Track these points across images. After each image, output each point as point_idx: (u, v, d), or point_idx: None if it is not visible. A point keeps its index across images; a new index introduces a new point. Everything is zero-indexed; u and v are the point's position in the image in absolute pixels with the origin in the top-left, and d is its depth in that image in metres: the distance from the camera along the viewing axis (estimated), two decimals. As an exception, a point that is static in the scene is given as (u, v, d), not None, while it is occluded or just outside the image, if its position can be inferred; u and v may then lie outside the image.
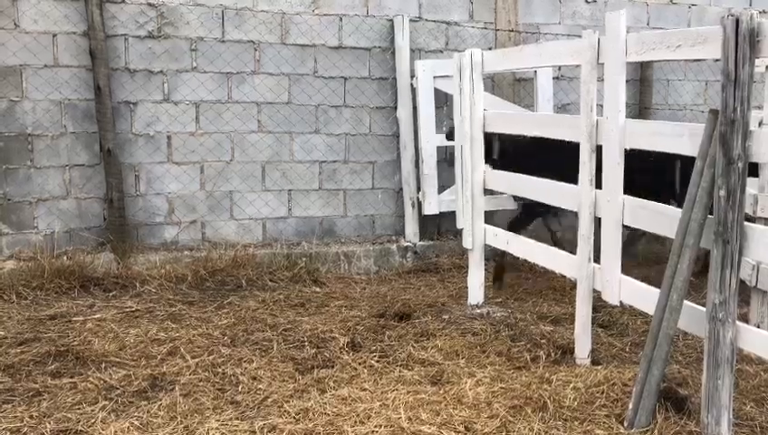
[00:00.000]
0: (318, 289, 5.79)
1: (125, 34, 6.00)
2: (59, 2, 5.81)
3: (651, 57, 3.58)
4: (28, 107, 5.83)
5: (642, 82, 7.57)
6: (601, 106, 3.84)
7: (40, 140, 5.88)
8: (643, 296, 3.66)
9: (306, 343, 4.45)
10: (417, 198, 6.76)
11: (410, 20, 6.72)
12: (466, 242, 5.31)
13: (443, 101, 6.69)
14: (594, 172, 3.95)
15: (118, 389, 3.74)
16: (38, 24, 5.77)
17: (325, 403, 3.55)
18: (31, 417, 3.41)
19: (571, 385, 3.66)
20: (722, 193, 2.98)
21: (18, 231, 5.90)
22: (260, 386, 3.79)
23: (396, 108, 6.79)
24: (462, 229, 5.35)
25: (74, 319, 4.94)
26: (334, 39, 6.61)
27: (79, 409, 3.52)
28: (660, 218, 3.51)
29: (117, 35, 5.97)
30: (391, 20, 6.71)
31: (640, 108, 7.56)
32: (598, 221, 3.98)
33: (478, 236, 5.21)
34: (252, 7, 6.33)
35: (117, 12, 5.95)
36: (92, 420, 3.39)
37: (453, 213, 5.78)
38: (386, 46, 6.76)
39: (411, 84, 6.68)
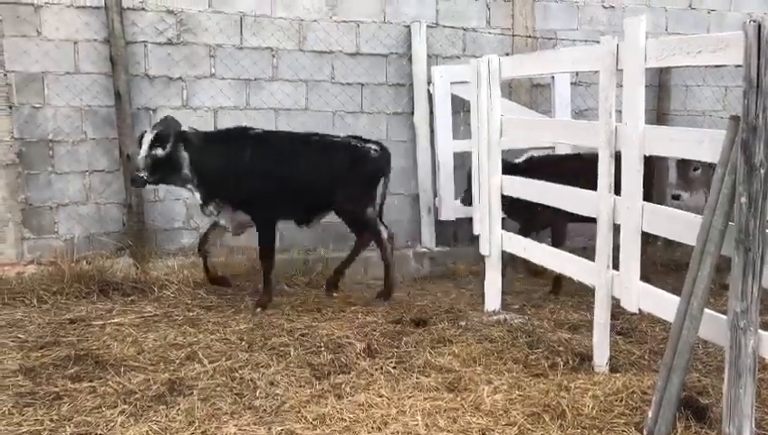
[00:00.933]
0: (335, 294, 5.79)
1: (145, 41, 6.06)
2: (80, 9, 5.88)
3: (671, 63, 3.57)
4: (49, 113, 5.91)
5: (660, 87, 7.52)
6: (620, 112, 3.82)
7: (61, 145, 5.96)
8: (662, 304, 3.63)
9: (323, 349, 4.46)
10: (434, 204, 6.75)
11: (427, 26, 6.73)
12: (483, 248, 5.30)
13: (460, 107, 6.69)
14: (613, 179, 3.92)
15: (137, 393, 3.76)
16: (60, 31, 5.84)
17: (342, 409, 3.55)
18: (51, 420, 3.45)
19: (590, 393, 3.63)
20: (743, 200, 2.95)
21: (39, 236, 5.97)
22: (277, 391, 3.80)
23: (412, 114, 6.79)
24: (479, 235, 5.34)
25: (94, 323, 4.98)
26: (351, 45, 6.64)
27: (98, 413, 3.54)
28: (680, 225, 3.48)
29: (137, 42, 6.03)
30: (408, 26, 6.73)
31: (658, 114, 7.51)
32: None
33: (495, 242, 5.20)
34: (270, 14, 6.37)
35: (137, 19, 6.01)
36: (112, 424, 3.42)
37: (469, 219, 5.78)
38: (403, 52, 6.77)
39: (428, 90, 6.69)
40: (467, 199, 5.76)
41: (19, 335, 4.70)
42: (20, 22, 5.73)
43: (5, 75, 5.74)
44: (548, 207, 4.72)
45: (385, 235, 5.60)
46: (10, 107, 5.78)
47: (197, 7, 6.16)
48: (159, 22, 6.08)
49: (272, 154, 5.36)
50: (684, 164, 5.58)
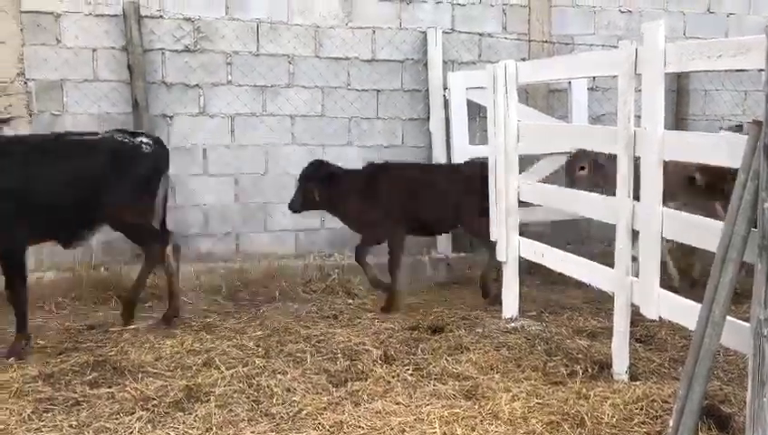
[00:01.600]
0: (350, 301, 5.79)
1: (162, 49, 6.11)
2: (99, 18, 5.94)
3: (691, 68, 3.53)
4: (68, 121, 5.97)
5: (678, 91, 7.47)
6: (638, 117, 3.79)
7: (79, 152, 6.00)
8: (683, 311, 3.58)
9: (339, 356, 4.44)
10: (450, 210, 6.72)
11: (443, 32, 6.73)
12: (501, 255, 5.27)
13: (476, 113, 6.67)
14: (632, 184, 3.89)
15: (154, 399, 3.76)
16: (79, 39, 5.91)
17: (359, 416, 3.53)
18: (71, 426, 3.46)
19: (609, 401, 3.59)
20: (766, 206, 2.90)
21: (58, 242, 6.01)
22: (294, 398, 3.79)
23: (428, 120, 6.79)
24: (496, 242, 5.31)
25: (111, 329, 5.01)
26: (367, 52, 6.65)
27: (116, 419, 3.55)
28: (702, 231, 3.43)
29: (154, 50, 6.08)
30: (424, 32, 6.73)
31: (676, 118, 7.45)
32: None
33: (513, 248, 5.16)
34: (286, 21, 6.40)
35: (154, 26, 6.06)
36: (130, 431, 3.42)
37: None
38: (418, 58, 6.77)
39: (444, 96, 6.68)
40: (294, 205, 5.62)
41: (39, 341, 4.74)
42: (40, 30, 5.80)
43: (26, 83, 5.81)
44: (387, 218, 4.64)
45: (169, 246, 5.04)
46: (30, 114, 5.84)
47: (214, 15, 6.21)
48: (177, 29, 6.12)
49: (7, 165, 4.49)
50: (570, 164, 5.67)
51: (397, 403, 3.69)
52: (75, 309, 5.44)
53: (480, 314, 5.39)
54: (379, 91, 6.74)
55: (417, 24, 6.75)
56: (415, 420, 3.48)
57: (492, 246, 5.41)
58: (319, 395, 3.83)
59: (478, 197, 5.46)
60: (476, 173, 5.58)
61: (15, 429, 3.42)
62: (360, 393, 3.84)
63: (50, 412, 3.63)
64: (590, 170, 5.49)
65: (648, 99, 3.68)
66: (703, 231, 3.42)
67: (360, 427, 3.43)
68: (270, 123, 6.45)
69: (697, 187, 5.50)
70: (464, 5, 6.87)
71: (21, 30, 5.75)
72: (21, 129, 5.80)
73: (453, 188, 5.66)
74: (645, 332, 4.81)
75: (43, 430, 3.44)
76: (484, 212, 5.40)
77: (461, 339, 4.73)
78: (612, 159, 4.12)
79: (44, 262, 5.94)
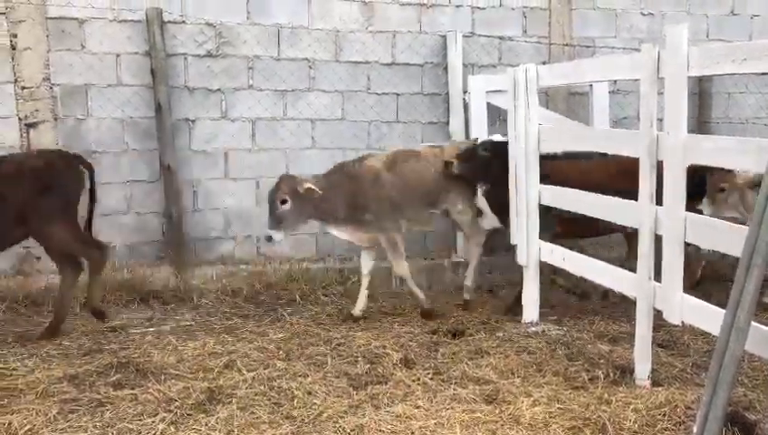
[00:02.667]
0: (370, 304, 5.79)
1: (184, 53, 6.17)
2: (122, 24, 6.02)
3: (715, 71, 3.50)
4: (92, 125, 6.05)
5: (701, 95, 7.40)
6: (660, 120, 3.76)
7: (103, 156, 6.08)
8: (707, 316, 3.55)
9: (360, 359, 4.46)
10: (470, 214, 6.71)
11: (463, 36, 6.73)
12: (521, 258, 5.25)
13: (495, 117, 6.66)
14: (655, 188, 3.86)
15: (177, 401, 3.80)
16: (103, 45, 5.99)
17: (380, 420, 3.53)
18: (95, 427, 3.51)
19: (632, 407, 3.56)
20: (791, 211, 2.87)
21: (81, 245, 6.09)
22: (315, 401, 3.81)
23: (448, 123, 6.79)
24: (516, 245, 5.29)
25: (134, 331, 5.07)
26: (387, 56, 6.67)
27: (140, 420, 3.59)
28: (726, 236, 3.40)
29: (177, 54, 6.15)
30: (444, 36, 6.73)
31: (699, 122, 7.38)
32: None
33: (533, 252, 5.15)
34: (306, 26, 6.44)
35: (177, 32, 6.13)
36: (153, 432, 3.46)
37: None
38: (438, 62, 6.78)
39: (463, 99, 6.68)
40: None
41: (63, 343, 4.81)
42: (65, 36, 5.88)
43: (51, 88, 5.90)
44: None
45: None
46: (55, 119, 5.93)
47: (236, 20, 6.26)
48: (199, 34, 6.18)
49: None
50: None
51: (417, 407, 3.69)
52: (98, 311, 5.49)
53: (500, 319, 5.37)
54: (398, 94, 6.75)
55: (437, 27, 6.75)
56: (435, 424, 3.48)
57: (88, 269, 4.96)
58: (339, 398, 3.85)
59: (50, 196, 4.70)
60: (44, 163, 4.80)
61: (42, 429, 3.47)
62: (380, 397, 3.85)
63: (75, 413, 3.68)
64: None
65: (671, 103, 3.66)
66: (727, 236, 3.39)
67: (380, 431, 3.43)
68: (290, 127, 6.49)
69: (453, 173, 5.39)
70: (484, 9, 6.86)
71: (47, 36, 5.84)
72: (47, 133, 5.89)
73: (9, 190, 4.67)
74: (667, 336, 4.77)
75: (68, 430, 3.48)
76: (57, 216, 4.74)
77: (481, 343, 4.72)
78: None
79: (69, 264, 6.02)
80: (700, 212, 4.95)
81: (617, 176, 4.60)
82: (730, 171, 4.99)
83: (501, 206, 5.34)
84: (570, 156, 5.34)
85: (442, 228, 6.86)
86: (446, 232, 6.87)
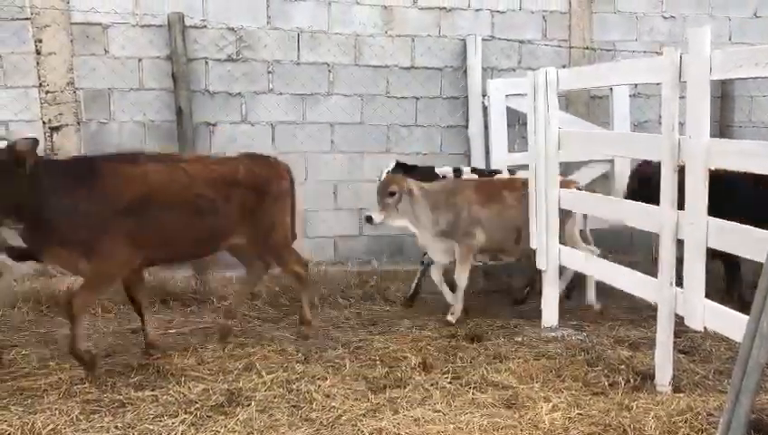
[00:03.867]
0: (388, 308, 5.81)
1: (205, 58, 6.23)
2: (145, 28, 6.08)
3: (738, 75, 3.47)
4: (115, 128, 6.12)
5: (723, 98, 7.32)
6: (682, 124, 3.73)
7: (125, 160, 6.15)
8: (729, 322, 3.51)
9: (378, 362, 4.46)
10: (489, 218, 6.70)
11: (482, 39, 6.72)
12: (540, 262, 5.23)
13: (515, 120, 6.64)
14: (676, 193, 3.83)
15: (197, 403, 3.83)
16: (125, 49, 6.06)
17: (398, 424, 3.53)
18: (116, 427, 3.54)
19: (652, 413, 3.53)
20: (817, 216, 2.84)
21: (103, 247, 6.15)
22: (333, 404, 3.81)
23: (467, 127, 6.78)
24: (536, 249, 5.27)
25: (155, 333, 5.09)
26: (406, 59, 6.68)
27: (160, 421, 3.63)
28: (748, 241, 3.36)
29: (198, 59, 6.20)
30: (464, 39, 6.73)
31: (721, 125, 7.30)
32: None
33: (553, 256, 5.12)
34: (326, 30, 6.47)
35: (198, 36, 6.19)
36: (173, 433, 3.49)
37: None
38: (458, 66, 6.78)
39: (483, 103, 6.66)
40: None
41: (86, 344, 4.85)
42: (89, 41, 5.97)
43: (75, 92, 5.98)
44: None
45: None
46: (78, 123, 6.01)
47: (256, 24, 6.31)
48: (220, 39, 6.24)
49: None
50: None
51: (436, 411, 3.69)
52: (120, 312, 5.56)
53: (520, 323, 5.35)
54: (417, 98, 6.76)
55: (456, 31, 6.75)
56: (454, 428, 3.48)
57: None
58: (358, 401, 3.85)
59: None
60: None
61: (64, 429, 3.51)
62: (398, 400, 3.85)
63: (97, 413, 3.72)
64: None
65: (693, 107, 3.63)
66: (750, 241, 3.35)
67: (399, 434, 3.43)
68: (310, 131, 6.52)
69: None
70: (503, 13, 6.85)
71: (71, 41, 5.93)
72: (70, 136, 5.98)
73: None
74: (689, 343, 4.73)
75: (90, 430, 3.52)
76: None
77: (500, 348, 4.71)
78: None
79: (91, 266, 6.09)
80: (370, 219, 5.19)
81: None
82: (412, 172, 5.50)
83: None
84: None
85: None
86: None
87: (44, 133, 5.92)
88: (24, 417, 3.61)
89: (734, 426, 3.10)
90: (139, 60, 6.12)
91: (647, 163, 5.34)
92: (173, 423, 3.59)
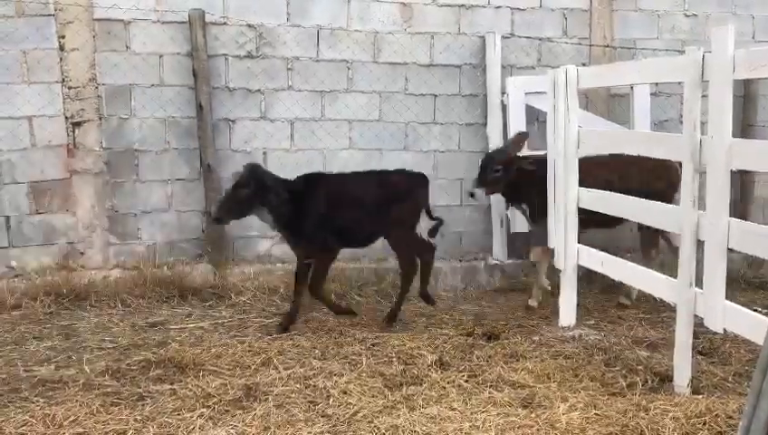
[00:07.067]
0: (403, 306, 5.79)
1: (225, 54, 6.26)
2: (166, 25, 6.13)
3: (761, 74, 3.43)
4: (135, 124, 6.17)
5: (746, 97, 7.22)
6: (704, 123, 3.70)
7: (145, 155, 6.21)
8: (750, 324, 3.48)
9: (394, 359, 4.47)
10: (506, 215, 6.68)
11: (502, 37, 6.69)
12: (558, 262, 5.20)
13: (533, 118, 6.61)
14: (697, 193, 3.80)
15: (214, 397, 3.86)
16: (147, 46, 6.11)
17: (414, 421, 3.54)
18: (135, 420, 3.59)
19: (671, 415, 3.51)
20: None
21: (123, 242, 6.23)
22: (350, 400, 3.83)
23: (485, 125, 6.76)
24: (554, 249, 5.25)
25: (173, 327, 5.16)
26: (425, 57, 6.67)
27: (179, 415, 3.66)
28: (770, 243, 3.33)
29: (218, 55, 6.23)
30: (483, 37, 6.70)
31: (743, 125, 7.20)
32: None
33: (571, 255, 5.10)
34: (345, 27, 6.48)
35: (218, 33, 6.22)
36: (192, 427, 3.53)
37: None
38: (477, 63, 6.75)
39: (502, 101, 6.64)
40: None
41: (105, 338, 4.92)
42: (111, 37, 6.02)
43: (97, 88, 6.04)
44: None
45: None
46: (100, 118, 6.07)
47: (276, 21, 6.33)
48: (240, 36, 6.27)
49: None
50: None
51: (452, 409, 3.69)
52: (139, 306, 5.62)
53: (537, 322, 5.34)
54: (436, 96, 6.74)
55: (475, 29, 6.73)
56: (470, 426, 3.48)
57: None
58: (374, 398, 3.87)
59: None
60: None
61: (84, 421, 3.56)
62: (415, 398, 3.86)
63: (116, 406, 3.76)
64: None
65: (716, 106, 3.60)
66: (772, 243, 3.32)
67: (415, 431, 3.44)
68: (328, 128, 6.54)
69: None
70: (523, 10, 6.81)
71: (93, 37, 5.98)
72: (91, 132, 6.04)
73: None
74: (707, 344, 4.69)
75: (110, 422, 3.56)
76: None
77: (517, 346, 4.70)
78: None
79: (110, 261, 6.17)
80: None
81: None
82: None
83: None
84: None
85: (479, 230, 6.85)
86: (484, 235, 6.84)
87: (66, 128, 5.99)
88: (46, 408, 3.67)
89: (753, 429, 3.07)
90: (160, 56, 6.17)
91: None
92: (191, 417, 3.63)
